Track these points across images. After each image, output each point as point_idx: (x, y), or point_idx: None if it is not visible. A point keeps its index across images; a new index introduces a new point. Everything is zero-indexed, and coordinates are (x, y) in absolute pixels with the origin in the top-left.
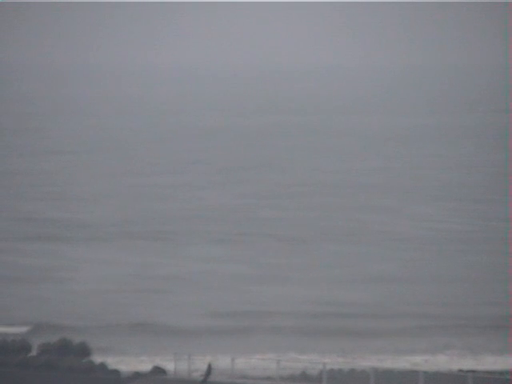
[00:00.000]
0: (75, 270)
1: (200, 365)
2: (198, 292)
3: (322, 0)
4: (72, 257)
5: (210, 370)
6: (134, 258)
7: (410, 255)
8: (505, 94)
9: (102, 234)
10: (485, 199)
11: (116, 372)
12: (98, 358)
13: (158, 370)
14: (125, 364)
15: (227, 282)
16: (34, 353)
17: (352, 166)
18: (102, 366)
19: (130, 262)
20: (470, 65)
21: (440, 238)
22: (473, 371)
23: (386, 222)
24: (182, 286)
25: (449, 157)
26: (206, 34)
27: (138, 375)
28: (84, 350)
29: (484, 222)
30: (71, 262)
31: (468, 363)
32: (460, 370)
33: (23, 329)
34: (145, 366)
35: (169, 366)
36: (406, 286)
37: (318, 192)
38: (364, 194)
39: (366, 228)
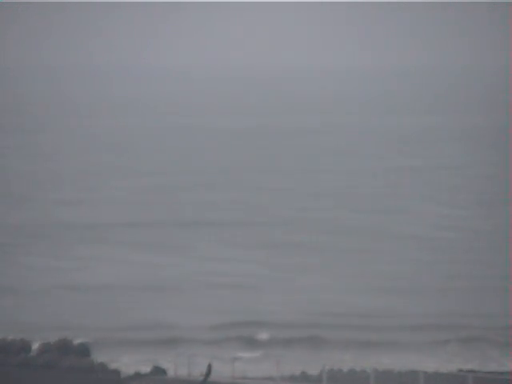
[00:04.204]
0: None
1: (200, 365)
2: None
3: (323, 0)
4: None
5: (210, 370)
6: (143, 257)
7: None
8: (506, 94)
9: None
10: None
11: (116, 372)
12: (98, 358)
13: (158, 370)
14: (125, 364)
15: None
16: (33, 353)
17: (366, 166)
18: (102, 365)
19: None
20: (473, 65)
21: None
22: (473, 371)
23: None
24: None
25: (461, 156)
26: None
27: (138, 375)
28: (84, 350)
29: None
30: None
31: None
32: (460, 370)
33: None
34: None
35: (169, 365)
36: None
37: (329, 193)
38: (378, 196)
39: (382, 229)
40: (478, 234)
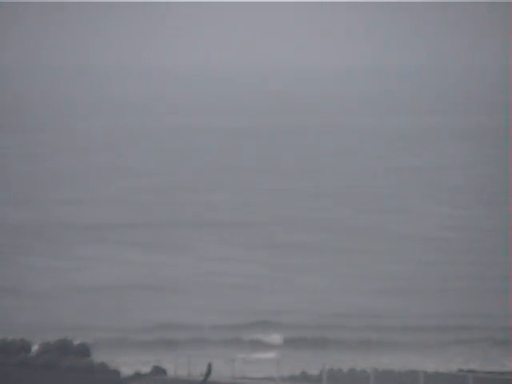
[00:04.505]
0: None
1: (200, 365)
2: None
3: (323, 0)
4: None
5: (209, 369)
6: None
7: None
8: (506, 94)
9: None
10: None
11: (116, 372)
12: (98, 358)
13: (158, 370)
14: (125, 364)
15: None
16: (33, 353)
17: (366, 166)
18: (102, 365)
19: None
20: (473, 65)
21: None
22: (473, 371)
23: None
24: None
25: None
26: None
27: (138, 375)
28: (84, 350)
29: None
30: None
31: None
32: (460, 370)
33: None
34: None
35: (169, 366)
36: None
37: (330, 193)
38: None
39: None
40: (479, 234)
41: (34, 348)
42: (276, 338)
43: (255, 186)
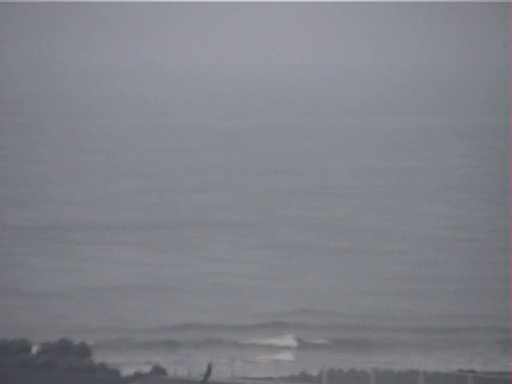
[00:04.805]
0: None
1: (200, 365)
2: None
3: (323, 0)
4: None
5: (210, 370)
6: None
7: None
8: (506, 94)
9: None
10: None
11: (116, 372)
12: (97, 358)
13: (158, 370)
14: (125, 364)
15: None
16: (33, 353)
17: (366, 166)
18: (102, 365)
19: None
20: (473, 65)
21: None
22: (473, 371)
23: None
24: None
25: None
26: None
27: (138, 375)
28: (84, 350)
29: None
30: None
31: None
32: (460, 370)
33: None
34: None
35: (169, 366)
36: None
37: (331, 193)
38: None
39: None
40: (478, 234)
41: (34, 348)
42: (276, 338)
43: (256, 186)
